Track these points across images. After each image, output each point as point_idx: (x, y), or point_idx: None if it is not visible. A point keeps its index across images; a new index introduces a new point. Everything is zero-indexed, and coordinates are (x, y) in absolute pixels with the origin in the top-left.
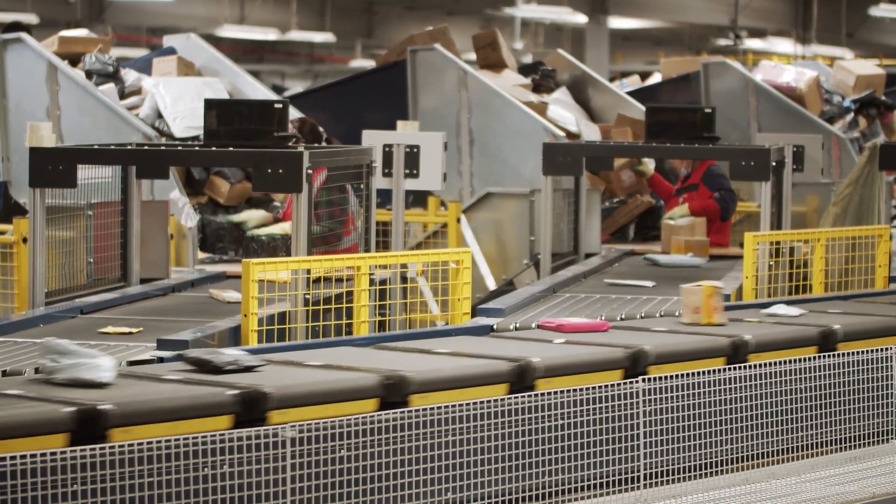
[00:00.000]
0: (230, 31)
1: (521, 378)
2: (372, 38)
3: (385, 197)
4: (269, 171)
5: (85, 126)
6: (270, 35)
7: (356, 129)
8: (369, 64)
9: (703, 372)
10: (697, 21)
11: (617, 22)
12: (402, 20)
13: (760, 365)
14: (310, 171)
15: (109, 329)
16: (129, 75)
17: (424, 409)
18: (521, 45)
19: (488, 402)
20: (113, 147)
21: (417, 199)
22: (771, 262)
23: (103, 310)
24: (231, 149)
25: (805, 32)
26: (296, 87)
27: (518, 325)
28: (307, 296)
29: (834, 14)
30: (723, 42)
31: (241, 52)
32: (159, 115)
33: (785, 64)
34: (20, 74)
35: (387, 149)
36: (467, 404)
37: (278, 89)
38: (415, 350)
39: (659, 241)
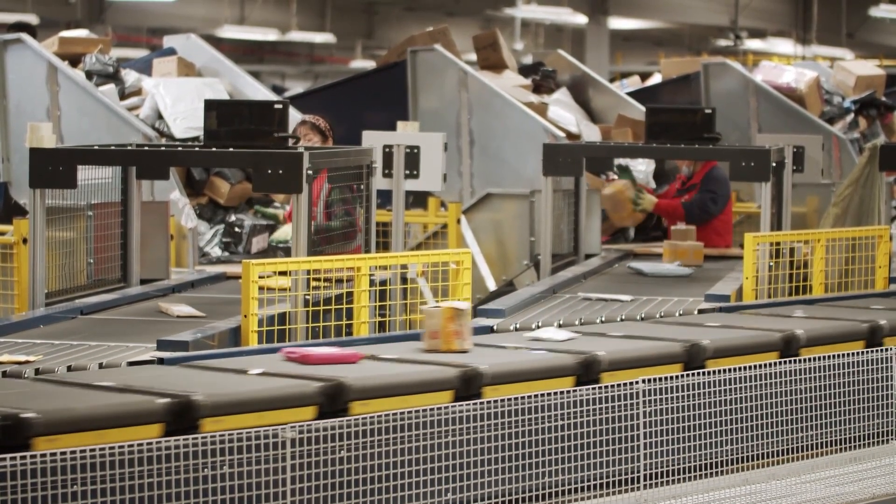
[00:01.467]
0: (230, 32)
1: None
2: (372, 39)
3: (385, 197)
4: (269, 171)
5: (85, 127)
6: (270, 35)
7: (356, 129)
8: (369, 64)
9: (703, 373)
10: (697, 21)
11: (617, 22)
12: (402, 21)
13: (760, 366)
14: (310, 172)
15: (4, 358)
16: (130, 76)
17: (424, 410)
18: (522, 45)
19: (488, 402)
20: (113, 147)
21: (417, 199)
22: (771, 263)
23: (103, 310)
24: (231, 149)
25: (805, 33)
26: (296, 87)
27: (518, 325)
28: (307, 296)
29: (834, 14)
30: (723, 42)
31: (242, 52)
32: (159, 116)
33: (785, 64)
34: (20, 75)
35: (387, 149)
36: (467, 405)
37: (278, 90)
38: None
39: (659, 241)
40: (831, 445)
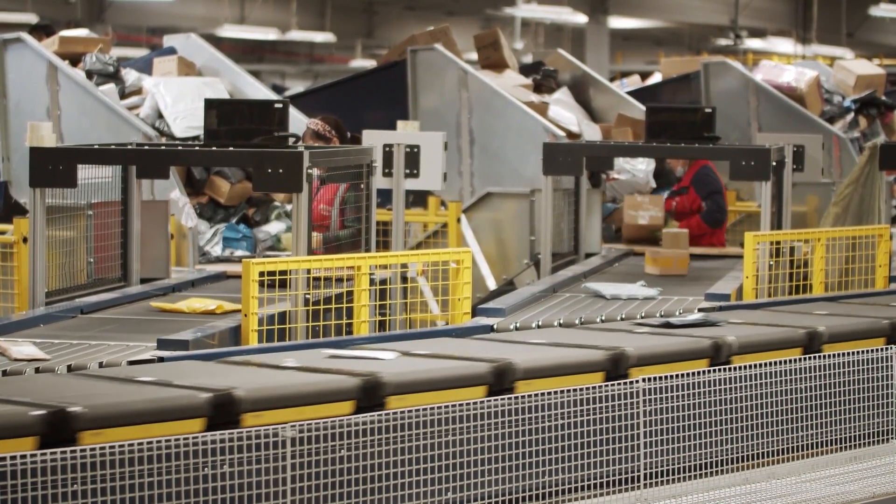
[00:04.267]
0: (230, 31)
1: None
2: (372, 38)
3: (385, 197)
4: (270, 171)
5: (85, 126)
6: (270, 35)
7: (356, 129)
8: (369, 64)
9: (703, 372)
10: (697, 21)
11: (617, 22)
12: (402, 20)
13: (760, 365)
14: (310, 171)
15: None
16: (130, 75)
17: (425, 410)
18: (522, 45)
19: (488, 401)
20: (113, 147)
21: (417, 198)
22: (771, 262)
23: (103, 310)
24: (231, 149)
25: (805, 32)
26: (296, 86)
27: (518, 325)
28: (307, 296)
29: (834, 14)
30: (723, 42)
31: (242, 52)
32: (160, 115)
33: (785, 64)
34: (20, 74)
35: (387, 149)
36: (467, 404)
37: (278, 89)
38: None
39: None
40: (831, 444)
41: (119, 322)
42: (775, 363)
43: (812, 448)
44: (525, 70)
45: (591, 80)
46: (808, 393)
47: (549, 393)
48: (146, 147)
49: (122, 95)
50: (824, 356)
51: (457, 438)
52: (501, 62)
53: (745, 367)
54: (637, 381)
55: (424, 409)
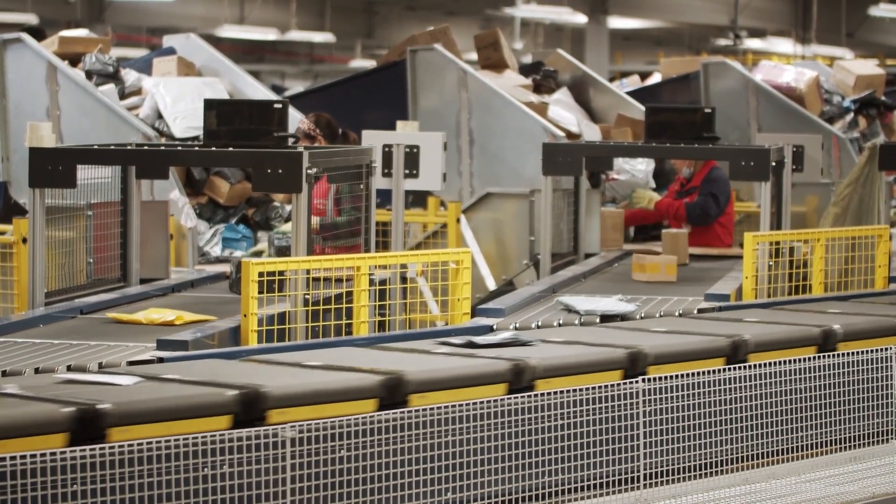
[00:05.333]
0: (230, 32)
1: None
2: (372, 38)
3: (385, 197)
4: (269, 171)
5: (85, 126)
6: (270, 35)
7: (356, 129)
8: (369, 64)
9: (703, 372)
10: (697, 21)
11: (617, 22)
12: (402, 20)
13: (760, 365)
14: (310, 171)
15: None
16: (130, 75)
17: (424, 410)
18: (521, 45)
19: (488, 402)
20: (113, 147)
21: (417, 199)
22: (771, 262)
23: (103, 310)
24: (231, 149)
25: (805, 32)
26: (296, 87)
27: (518, 325)
28: (307, 296)
29: (834, 14)
30: (723, 42)
31: (241, 52)
32: (159, 116)
33: (785, 64)
34: (20, 74)
35: (386, 149)
36: (467, 404)
37: (278, 89)
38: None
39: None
40: (831, 445)
41: (118, 322)
42: (776, 363)
43: (812, 448)
44: (525, 70)
45: (591, 80)
46: (809, 393)
47: (550, 393)
48: (146, 147)
49: (122, 96)
50: (823, 357)
51: (456, 439)
52: (501, 62)
53: (745, 367)
54: (637, 382)
55: (424, 410)
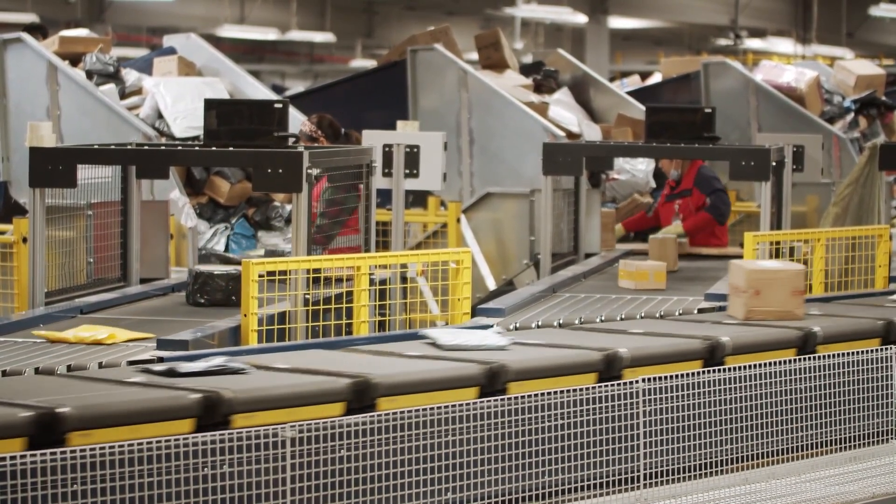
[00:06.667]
0: (230, 31)
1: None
2: (372, 38)
3: (385, 197)
4: (269, 171)
5: (85, 126)
6: (270, 35)
7: (356, 128)
8: (369, 64)
9: (703, 372)
10: (697, 21)
11: (617, 22)
12: (402, 20)
13: (760, 365)
14: (310, 171)
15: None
16: (130, 75)
17: (424, 410)
18: (521, 45)
19: (487, 402)
20: (113, 147)
21: (417, 199)
22: None
23: (103, 310)
24: (231, 149)
25: (805, 32)
26: (296, 86)
27: (518, 325)
28: (307, 296)
29: (834, 14)
30: (723, 42)
31: (242, 52)
32: (160, 115)
33: (785, 64)
34: (20, 74)
35: (387, 149)
36: (466, 405)
37: (278, 89)
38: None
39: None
40: (831, 445)
41: (118, 322)
42: (776, 363)
43: (812, 448)
44: (525, 70)
45: (591, 80)
46: (808, 393)
47: (550, 393)
48: (146, 147)
49: (122, 95)
50: (823, 357)
51: (458, 438)
52: (502, 62)
53: (745, 367)
54: (636, 382)
55: (423, 410)
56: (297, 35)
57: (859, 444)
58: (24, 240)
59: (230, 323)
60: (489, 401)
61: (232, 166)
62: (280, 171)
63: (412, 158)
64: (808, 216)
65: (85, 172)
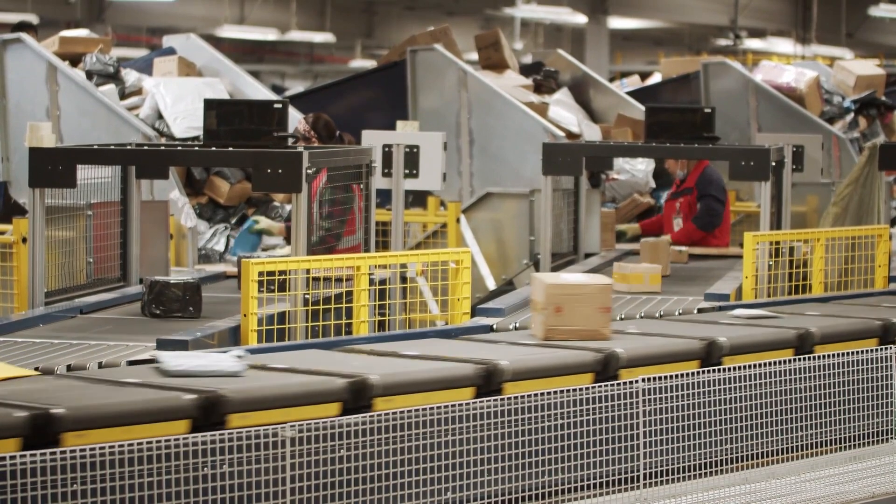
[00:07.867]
0: (230, 32)
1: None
2: (372, 38)
3: (385, 197)
4: (269, 171)
5: (85, 126)
6: (270, 35)
7: (356, 129)
8: (369, 64)
9: (703, 372)
10: (697, 21)
11: (617, 22)
12: (402, 20)
13: (760, 365)
14: (310, 171)
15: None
16: (130, 76)
17: (423, 410)
18: (521, 45)
19: (487, 402)
20: (113, 147)
21: (417, 199)
22: (771, 262)
23: (103, 310)
24: (231, 149)
25: (805, 32)
26: (296, 87)
27: (518, 324)
28: (307, 296)
29: (834, 14)
30: (723, 42)
31: (242, 52)
32: (159, 116)
33: (785, 64)
34: (20, 74)
35: (386, 149)
36: (466, 404)
37: (278, 89)
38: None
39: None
40: (831, 444)
41: (118, 322)
42: (776, 363)
43: (811, 448)
44: (525, 70)
45: (591, 80)
46: (808, 393)
47: (550, 393)
48: (146, 147)
49: (122, 96)
50: (823, 356)
51: (456, 439)
52: (502, 62)
53: (745, 367)
54: (636, 382)
55: (423, 410)
56: (296, 35)
57: (859, 444)
58: (24, 240)
59: (230, 323)
60: (489, 401)
61: (232, 166)
62: (280, 171)
63: (412, 158)
64: (807, 216)
65: (85, 172)
